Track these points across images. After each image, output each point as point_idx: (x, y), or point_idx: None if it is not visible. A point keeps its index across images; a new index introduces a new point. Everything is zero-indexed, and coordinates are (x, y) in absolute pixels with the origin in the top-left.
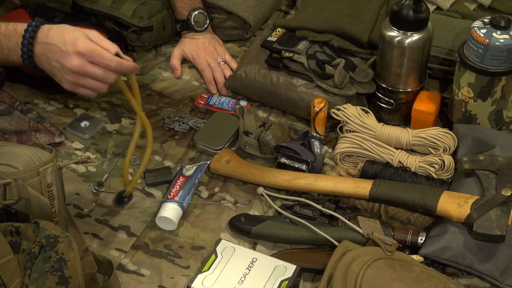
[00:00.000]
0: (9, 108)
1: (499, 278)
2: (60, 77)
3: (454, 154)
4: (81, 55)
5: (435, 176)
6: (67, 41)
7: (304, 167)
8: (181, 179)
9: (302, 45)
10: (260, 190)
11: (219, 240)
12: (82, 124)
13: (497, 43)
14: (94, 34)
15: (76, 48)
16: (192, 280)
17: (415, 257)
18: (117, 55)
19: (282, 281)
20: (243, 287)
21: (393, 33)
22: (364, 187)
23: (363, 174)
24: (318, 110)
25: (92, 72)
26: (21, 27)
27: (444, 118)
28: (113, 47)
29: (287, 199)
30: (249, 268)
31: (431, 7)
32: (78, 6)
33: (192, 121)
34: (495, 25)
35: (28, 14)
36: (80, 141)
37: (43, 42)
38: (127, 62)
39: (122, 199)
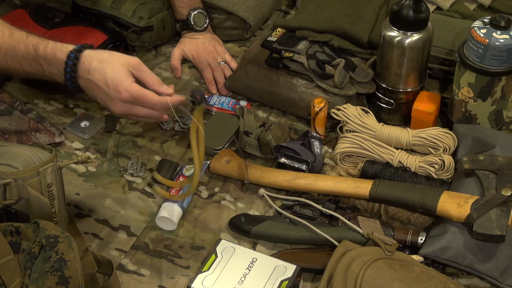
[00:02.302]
0: (9, 108)
1: (499, 278)
2: (109, 106)
3: (454, 154)
4: (126, 102)
5: (435, 176)
6: (110, 85)
7: (304, 167)
8: (181, 179)
9: (302, 45)
10: (261, 191)
11: (219, 240)
12: (82, 124)
13: (497, 43)
14: (136, 64)
15: (120, 96)
16: (192, 280)
17: (415, 257)
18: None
19: (282, 281)
20: (243, 287)
21: (393, 33)
22: (364, 187)
23: (363, 174)
24: (318, 110)
25: (139, 113)
26: (60, 54)
27: (444, 118)
28: (157, 81)
29: (287, 200)
30: (249, 268)
31: (431, 7)
32: (78, 6)
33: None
34: (495, 25)
35: (28, 14)
36: (80, 141)
37: (85, 78)
38: (171, 98)
39: None
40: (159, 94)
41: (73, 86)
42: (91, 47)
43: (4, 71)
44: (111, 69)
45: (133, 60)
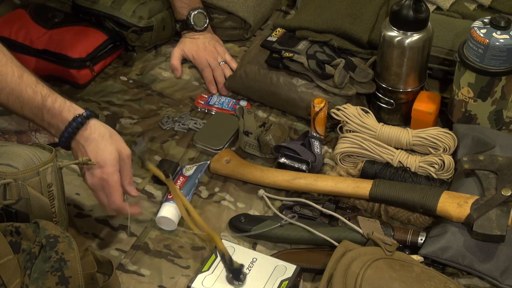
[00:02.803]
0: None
1: (499, 278)
2: (82, 172)
3: (454, 154)
4: (99, 179)
5: (435, 176)
6: (98, 160)
7: (304, 167)
8: (181, 179)
9: (302, 45)
10: (261, 192)
11: None
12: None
13: (497, 43)
14: (125, 156)
15: (100, 175)
16: (192, 280)
17: (415, 257)
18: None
19: (282, 281)
20: (243, 287)
21: (393, 33)
22: (364, 187)
23: (363, 174)
24: (318, 110)
25: (97, 197)
26: (67, 113)
27: (444, 118)
28: (130, 180)
29: (287, 200)
30: (249, 268)
31: (431, 7)
32: (78, 6)
33: (192, 122)
34: (495, 25)
35: (28, 14)
36: None
37: (80, 143)
38: (126, 210)
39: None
40: (125, 191)
41: (63, 143)
42: (97, 116)
43: (2, 107)
44: (105, 149)
45: (126, 150)
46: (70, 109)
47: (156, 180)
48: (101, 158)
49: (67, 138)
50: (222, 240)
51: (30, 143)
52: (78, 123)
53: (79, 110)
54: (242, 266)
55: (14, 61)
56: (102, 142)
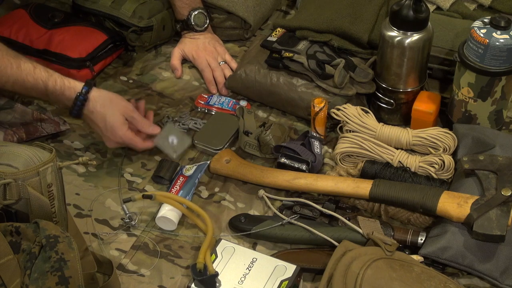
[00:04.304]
0: (10, 101)
1: (499, 278)
2: (104, 139)
3: (454, 154)
4: (118, 143)
5: (435, 176)
6: (108, 129)
7: (304, 167)
8: (181, 179)
9: (302, 45)
10: (261, 193)
11: (219, 240)
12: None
13: (497, 43)
14: (129, 112)
15: (115, 139)
16: (192, 280)
17: (415, 257)
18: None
19: (282, 281)
20: (243, 287)
21: (393, 33)
22: (364, 187)
23: (363, 174)
24: (318, 110)
25: (126, 146)
26: (69, 93)
27: (444, 118)
28: (146, 124)
29: (287, 201)
30: (249, 268)
31: (431, 7)
32: (78, 6)
33: (192, 122)
34: (495, 25)
35: (28, 14)
36: (80, 141)
37: (88, 116)
38: (151, 144)
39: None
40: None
41: (76, 116)
42: (94, 84)
43: (12, 93)
44: (110, 115)
45: (128, 107)
46: (70, 88)
47: (155, 178)
48: (110, 124)
49: (76, 114)
50: (222, 240)
51: (38, 133)
52: (81, 101)
53: (78, 87)
54: (216, 273)
55: (9, 52)
56: (106, 112)
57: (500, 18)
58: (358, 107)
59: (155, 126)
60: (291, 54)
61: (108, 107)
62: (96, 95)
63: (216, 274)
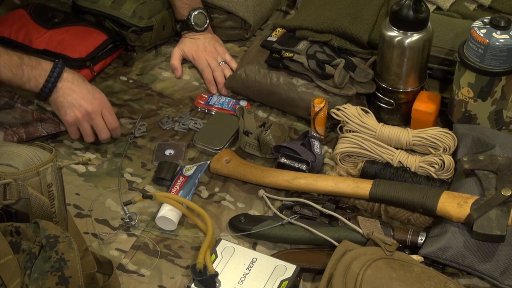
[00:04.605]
0: (10, 101)
1: (499, 278)
2: (69, 110)
3: (454, 154)
4: (87, 112)
5: (435, 176)
6: (90, 90)
7: (304, 167)
8: (181, 179)
9: (302, 45)
10: (261, 192)
11: (219, 240)
12: (167, 153)
13: (497, 43)
14: (97, 92)
15: (94, 102)
16: (192, 280)
17: (415, 257)
18: None
19: (282, 281)
20: (243, 287)
21: (393, 33)
22: (364, 187)
23: (363, 174)
24: (318, 110)
25: (83, 128)
26: (45, 63)
27: (444, 118)
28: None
29: (287, 201)
30: (249, 268)
31: (431, 7)
32: (78, 6)
33: (192, 122)
34: (495, 25)
35: (28, 14)
36: (80, 141)
37: (68, 81)
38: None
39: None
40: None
41: (48, 88)
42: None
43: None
44: (90, 85)
45: (107, 106)
46: (47, 60)
47: (156, 180)
48: (93, 89)
49: (53, 83)
50: (222, 240)
51: (38, 133)
52: (60, 67)
53: (54, 60)
54: (216, 273)
55: None
56: (85, 82)
57: (500, 18)
58: (358, 107)
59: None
60: (291, 54)
61: (86, 82)
62: (70, 70)
63: (216, 274)
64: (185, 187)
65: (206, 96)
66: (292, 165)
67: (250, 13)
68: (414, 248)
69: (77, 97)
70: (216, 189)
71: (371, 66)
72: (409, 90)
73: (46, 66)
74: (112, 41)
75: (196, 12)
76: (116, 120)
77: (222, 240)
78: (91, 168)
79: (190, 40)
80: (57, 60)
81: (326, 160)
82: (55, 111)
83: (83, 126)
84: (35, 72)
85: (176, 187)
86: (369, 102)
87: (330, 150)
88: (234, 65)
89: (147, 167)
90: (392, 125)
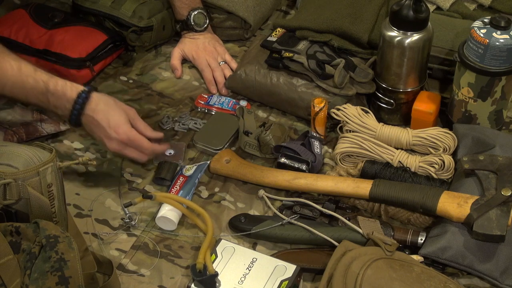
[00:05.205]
0: (10, 101)
1: (499, 278)
2: (103, 143)
3: (454, 154)
4: (121, 142)
5: (435, 176)
6: (112, 126)
7: (304, 167)
8: (181, 179)
9: (302, 45)
10: (261, 192)
11: (219, 240)
12: (167, 153)
13: (497, 43)
14: (132, 114)
15: (119, 136)
16: (192, 280)
17: (415, 257)
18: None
19: (282, 281)
20: (243, 287)
21: (393, 33)
22: (364, 187)
23: (363, 174)
24: (318, 110)
25: (129, 154)
26: (71, 92)
27: (444, 118)
28: (149, 128)
29: (287, 201)
30: (249, 268)
31: (431, 7)
32: (78, 6)
33: (192, 122)
34: (495, 25)
35: (28, 14)
36: (80, 141)
37: (89, 115)
38: (159, 147)
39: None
40: (149, 139)
41: (74, 120)
42: (96, 89)
43: (8, 98)
44: (114, 113)
45: (130, 109)
46: (72, 89)
47: (156, 180)
48: (114, 122)
49: (76, 115)
50: (222, 240)
51: (38, 133)
52: (84, 98)
53: (80, 87)
54: (216, 273)
55: (10, 55)
56: (109, 110)
57: (500, 18)
58: (358, 107)
59: (158, 132)
60: (291, 54)
61: (112, 105)
62: (98, 95)
63: (216, 274)
64: (185, 187)
65: (206, 96)
66: (292, 165)
67: (250, 13)
68: (414, 248)
69: (101, 134)
70: (216, 189)
71: (371, 66)
72: (409, 90)
73: (70, 96)
74: (112, 41)
75: (195, 12)
76: (148, 127)
77: (222, 240)
78: (91, 168)
79: (190, 40)
80: (82, 90)
81: (326, 160)
82: None
83: (125, 154)
84: (59, 102)
85: (176, 187)
86: (369, 102)
87: (330, 150)
88: (234, 65)
89: (147, 167)
90: (392, 125)
